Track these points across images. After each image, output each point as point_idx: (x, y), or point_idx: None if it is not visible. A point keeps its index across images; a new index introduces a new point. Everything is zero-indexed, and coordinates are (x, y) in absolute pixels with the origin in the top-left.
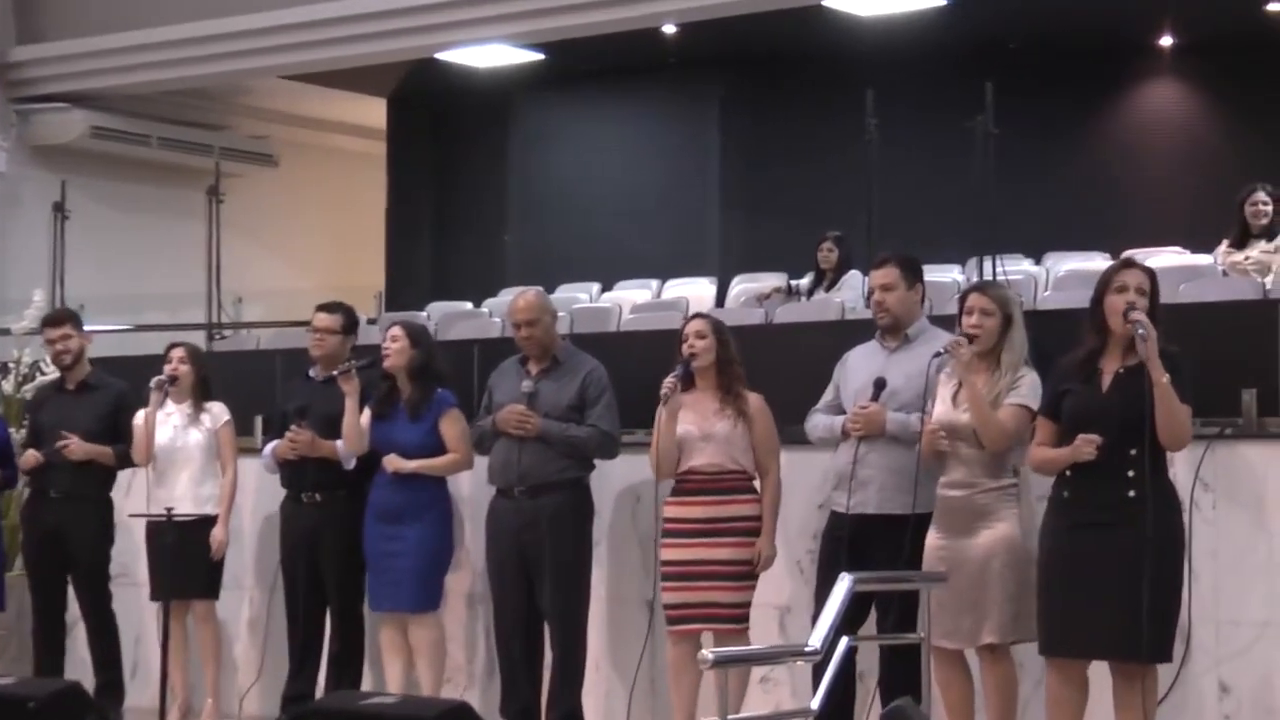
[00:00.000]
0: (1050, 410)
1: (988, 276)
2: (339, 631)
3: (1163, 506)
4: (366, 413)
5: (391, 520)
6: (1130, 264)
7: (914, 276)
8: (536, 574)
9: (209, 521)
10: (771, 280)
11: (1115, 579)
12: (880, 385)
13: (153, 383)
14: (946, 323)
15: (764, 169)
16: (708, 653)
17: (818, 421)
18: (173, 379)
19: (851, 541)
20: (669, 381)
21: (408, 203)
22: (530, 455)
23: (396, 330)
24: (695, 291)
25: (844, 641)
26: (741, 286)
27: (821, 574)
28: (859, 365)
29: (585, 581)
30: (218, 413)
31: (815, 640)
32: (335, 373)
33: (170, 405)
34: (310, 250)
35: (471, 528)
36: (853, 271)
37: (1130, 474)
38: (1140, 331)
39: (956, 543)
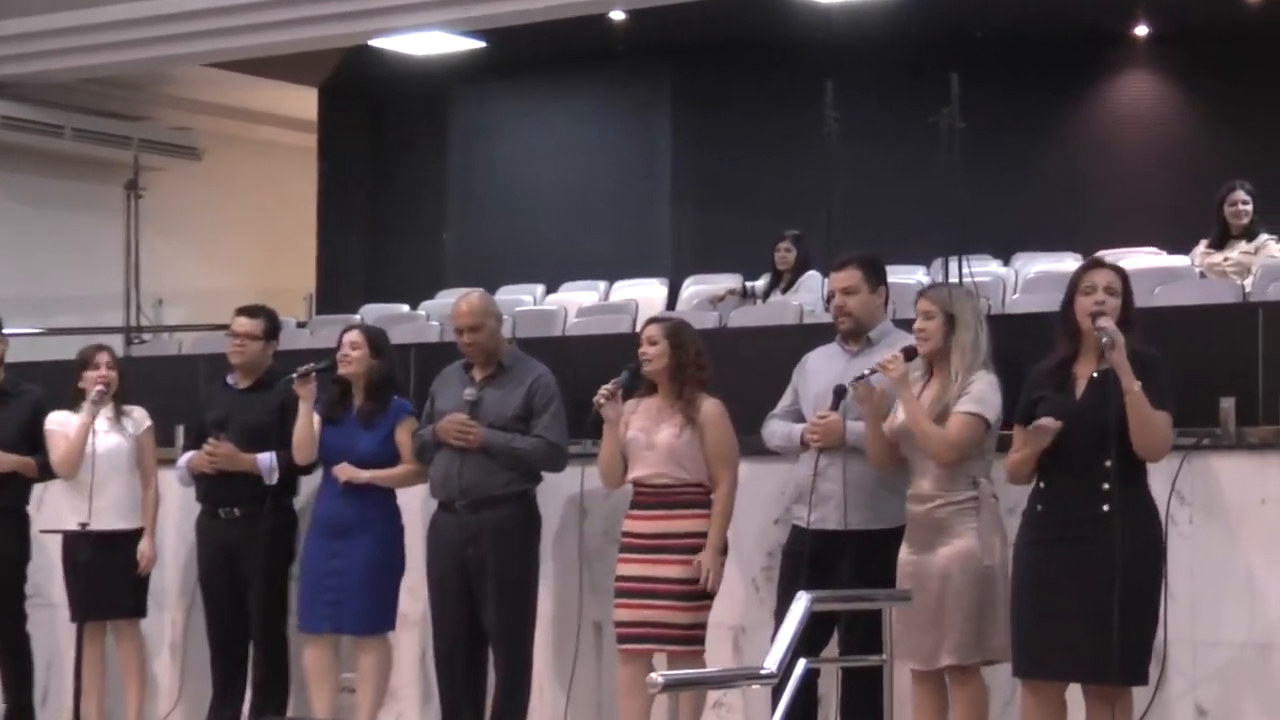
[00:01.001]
0: (1025, 418)
1: (952, 278)
2: (263, 654)
3: (1138, 520)
4: (316, 419)
5: (338, 535)
6: (1099, 263)
7: (877, 278)
8: (479, 592)
9: (132, 535)
10: (726, 281)
11: (1087, 597)
12: (840, 394)
13: (94, 395)
14: (909, 328)
15: (718, 164)
16: (657, 675)
17: (775, 429)
18: (108, 387)
19: (813, 558)
20: (605, 390)
21: (340, 199)
22: (473, 467)
23: (356, 336)
24: (645, 293)
25: (802, 663)
26: (694, 288)
27: (781, 592)
28: (819, 369)
29: (531, 600)
30: (139, 418)
31: (771, 662)
32: (294, 376)
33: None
34: (236, 249)
35: (413, 543)
36: (811, 272)
37: (1104, 486)
38: (1105, 340)
39: (921, 559)
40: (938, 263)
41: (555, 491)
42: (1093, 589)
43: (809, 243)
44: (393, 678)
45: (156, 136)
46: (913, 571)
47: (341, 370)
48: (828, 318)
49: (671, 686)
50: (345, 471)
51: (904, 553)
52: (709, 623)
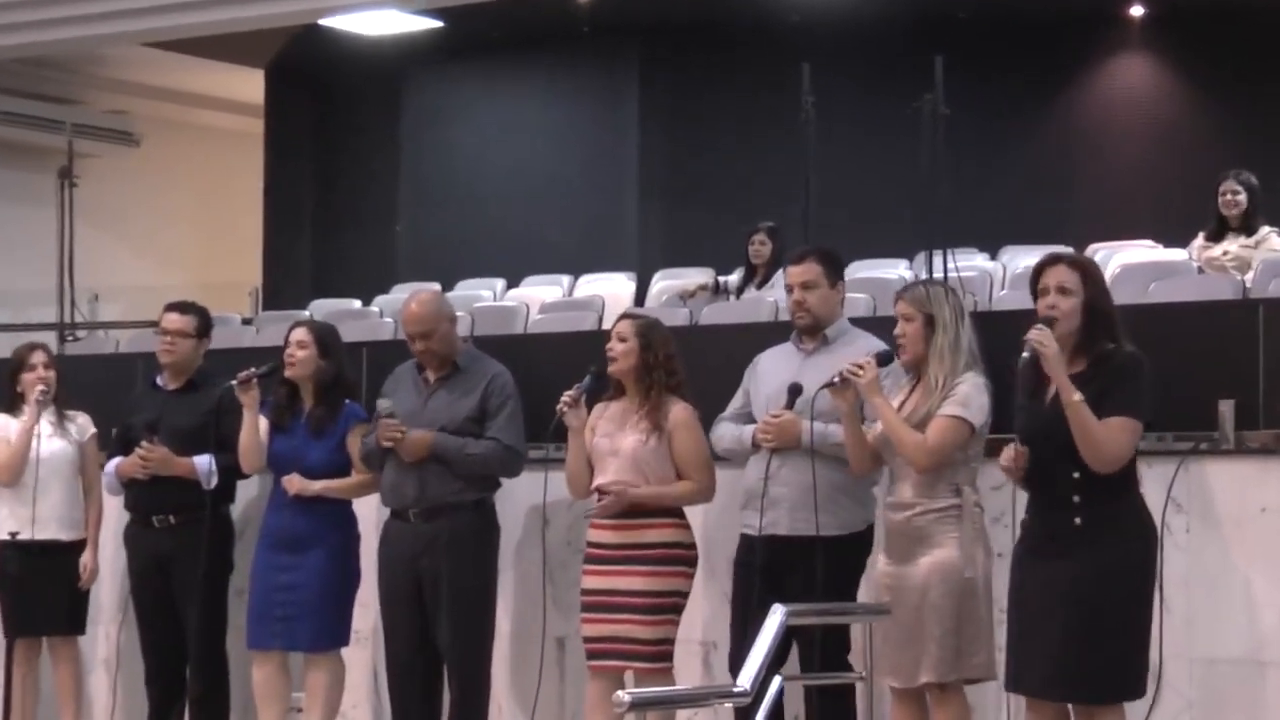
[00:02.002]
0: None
1: (936, 273)
2: (200, 672)
3: (1113, 535)
4: (264, 423)
5: (289, 549)
6: (1053, 259)
7: (835, 273)
8: (433, 605)
9: (72, 546)
10: (696, 276)
11: (1056, 613)
12: (795, 392)
13: (37, 396)
14: (889, 326)
15: (688, 151)
16: (623, 694)
17: (724, 431)
18: (49, 389)
19: (766, 568)
20: (566, 396)
21: (288, 188)
22: (425, 474)
23: (302, 334)
24: (611, 289)
25: (777, 681)
26: (664, 283)
27: (736, 606)
28: (771, 369)
29: (489, 614)
30: (83, 424)
31: (744, 680)
32: (235, 381)
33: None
34: (176, 241)
35: (367, 554)
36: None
37: (1075, 499)
38: (1026, 354)
39: (900, 570)
40: (920, 257)
41: (515, 500)
42: (1061, 605)
43: (785, 235)
44: (343, 697)
45: (91, 121)
46: (891, 584)
47: (287, 373)
48: None
49: (640, 706)
50: (295, 484)
51: (882, 563)
52: (678, 638)
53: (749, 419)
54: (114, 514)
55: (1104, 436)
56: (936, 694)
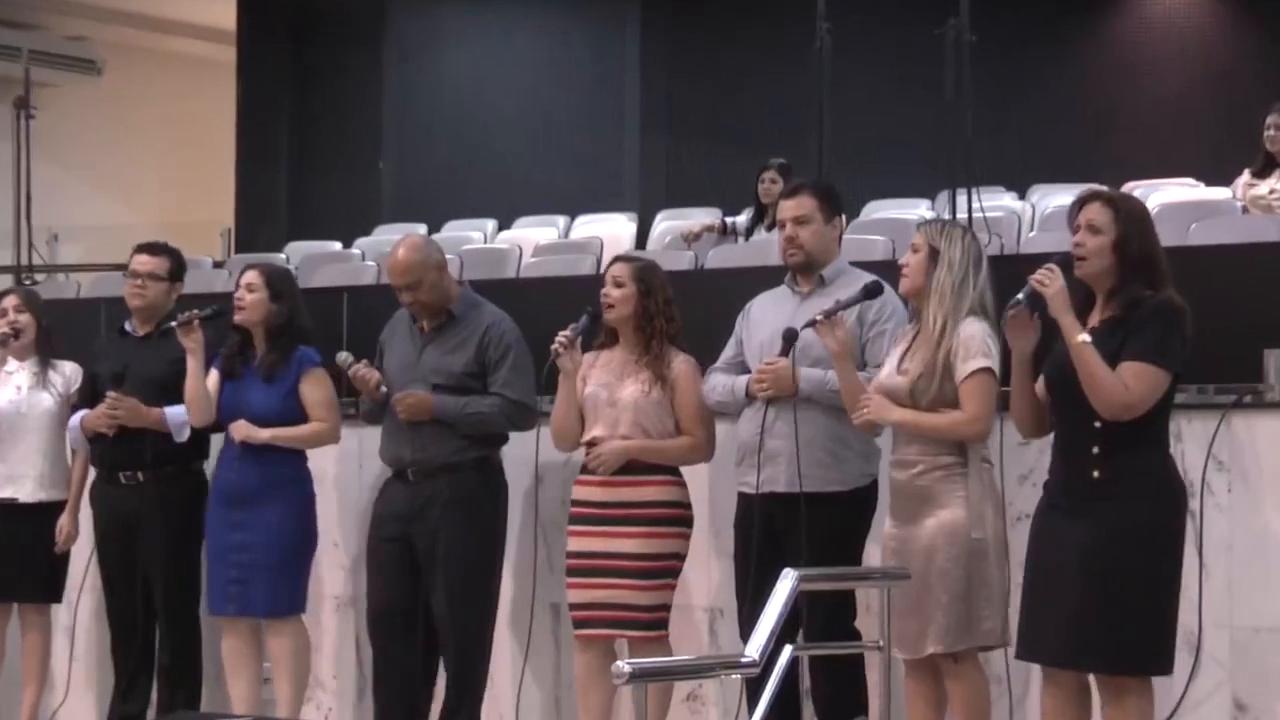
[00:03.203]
0: (1047, 365)
1: (960, 213)
2: (169, 640)
3: (1135, 490)
4: (214, 374)
5: (239, 504)
6: (1092, 195)
7: (832, 209)
8: (428, 571)
9: (52, 508)
10: (702, 217)
11: (1071, 574)
12: (791, 338)
13: None
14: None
15: (694, 82)
16: (623, 664)
17: (716, 382)
18: (15, 333)
19: (764, 528)
20: (562, 337)
21: (262, 121)
22: (420, 433)
23: (253, 276)
24: (610, 230)
25: (787, 650)
26: (666, 224)
27: (739, 571)
28: (765, 315)
29: (491, 579)
30: (70, 374)
31: (752, 650)
32: (174, 324)
33: (11, 363)
34: (141, 178)
35: (338, 513)
36: None
37: (1094, 450)
38: (1021, 296)
39: (905, 532)
40: (943, 196)
41: (506, 457)
42: (1079, 566)
43: (797, 173)
44: (322, 666)
45: (50, 48)
46: (896, 547)
47: (237, 318)
48: None
49: (640, 677)
50: (241, 430)
51: (887, 525)
52: (681, 604)
53: (743, 369)
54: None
55: (1109, 381)
56: (949, 665)
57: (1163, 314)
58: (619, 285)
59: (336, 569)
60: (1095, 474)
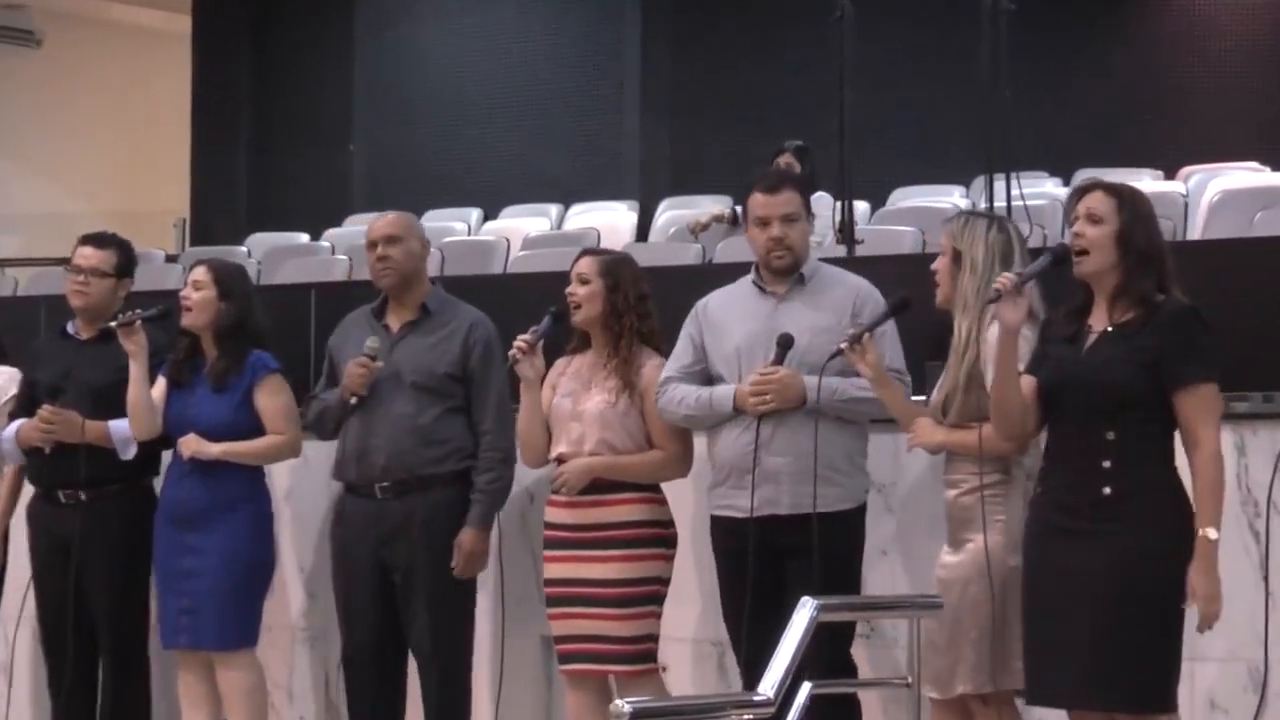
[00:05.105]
0: (1034, 366)
1: (998, 201)
2: (113, 678)
3: (1152, 506)
4: (161, 382)
5: (188, 526)
6: (1091, 185)
7: (809, 206)
8: (404, 599)
9: None
10: (710, 206)
11: (1083, 605)
12: (787, 344)
13: None
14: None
15: (700, 58)
16: (623, 704)
17: (683, 394)
18: None
19: (760, 555)
20: (520, 341)
21: (220, 100)
22: (393, 438)
23: (200, 273)
24: (609, 220)
25: (806, 688)
26: (671, 213)
27: (725, 600)
28: (735, 317)
29: (469, 608)
30: (3, 382)
31: (767, 687)
32: (112, 324)
33: None
34: (86, 162)
35: (296, 534)
36: (820, 194)
37: (1106, 464)
38: (991, 296)
39: (950, 558)
40: (979, 183)
41: None
42: (1090, 592)
43: (816, 157)
44: (285, 706)
45: None
46: (942, 575)
47: (184, 320)
48: (839, 250)
49: (642, 717)
50: (190, 445)
51: (941, 552)
52: (687, 637)
53: (703, 377)
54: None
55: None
56: (979, 707)
57: (1192, 322)
58: (584, 282)
59: (299, 597)
60: (1106, 490)
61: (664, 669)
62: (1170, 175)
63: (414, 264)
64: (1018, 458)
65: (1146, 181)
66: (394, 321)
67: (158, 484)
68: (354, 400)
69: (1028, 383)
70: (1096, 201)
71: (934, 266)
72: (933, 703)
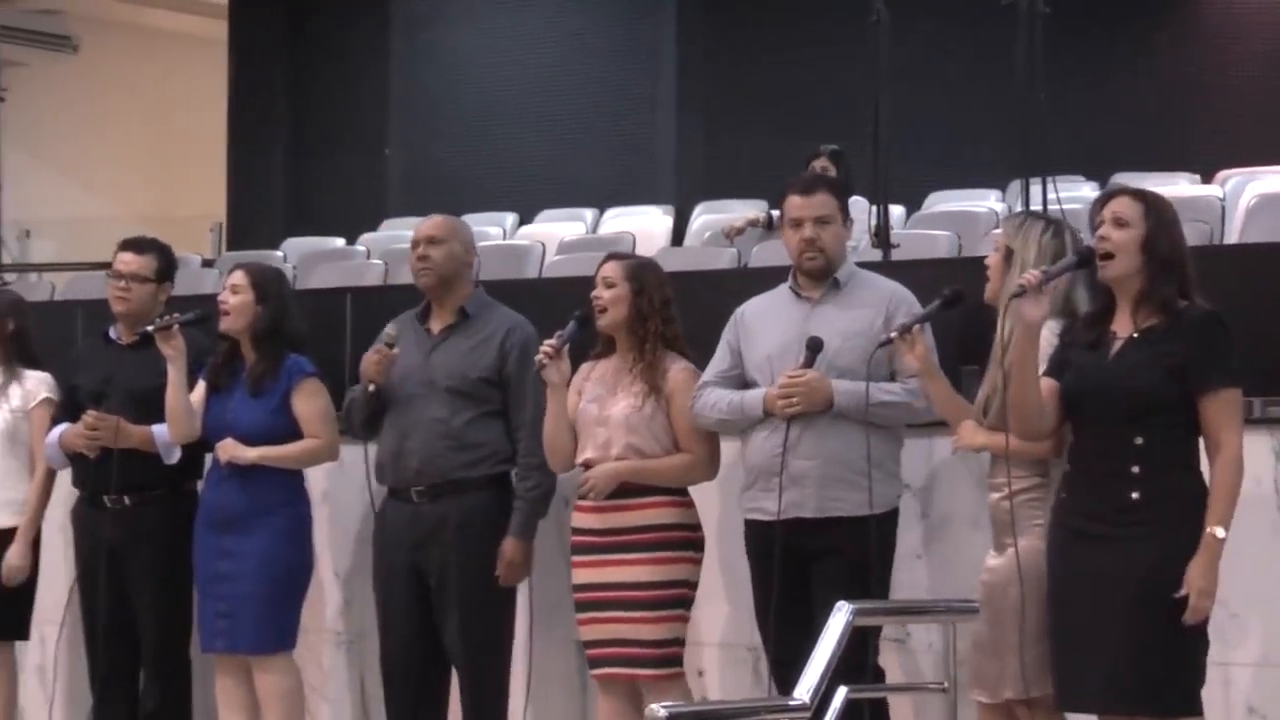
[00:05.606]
0: (1053, 369)
1: (1035, 205)
2: (156, 681)
3: (1180, 511)
4: (201, 386)
5: (226, 530)
6: (1118, 190)
7: (845, 210)
8: (440, 603)
9: (9, 536)
10: (745, 210)
11: (1114, 611)
12: (816, 347)
13: None
14: (973, 269)
15: (735, 60)
16: (659, 708)
17: (716, 398)
18: None
19: (786, 558)
20: (546, 346)
21: (256, 104)
22: (426, 441)
23: (238, 277)
24: (643, 224)
25: (842, 692)
26: (706, 218)
27: (758, 604)
28: (768, 322)
29: (507, 612)
30: (32, 387)
31: (803, 691)
32: (149, 328)
33: None
34: (123, 167)
35: (332, 536)
36: (855, 198)
37: (1135, 470)
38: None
39: (994, 563)
40: (1014, 186)
41: None
42: (1122, 599)
43: (851, 161)
44: (322, 710)
45: (19, 23)
46: (986, 579)
47: (222, 325)
48: (875, 254)
49: None
50: (227, 449)
51: (987, 556)
52: (722, 642)
53: (739, 382)
54: (63, 493)
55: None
56: (1024, 712)
57: (1216, 327)
58: (610, 285)
59: (336, 600)
60: (1135, 495)
61: (700, 673)
62: (1207, 179)
63: (454, 266)
64: (1056, 461)
65: (1183, 185)
66: (435, 324)
67: (201, 487)
68: (371, 388)
69: (1046, 384)
70: (1123, 206)
71: (987, 261)
72: (980, 706)
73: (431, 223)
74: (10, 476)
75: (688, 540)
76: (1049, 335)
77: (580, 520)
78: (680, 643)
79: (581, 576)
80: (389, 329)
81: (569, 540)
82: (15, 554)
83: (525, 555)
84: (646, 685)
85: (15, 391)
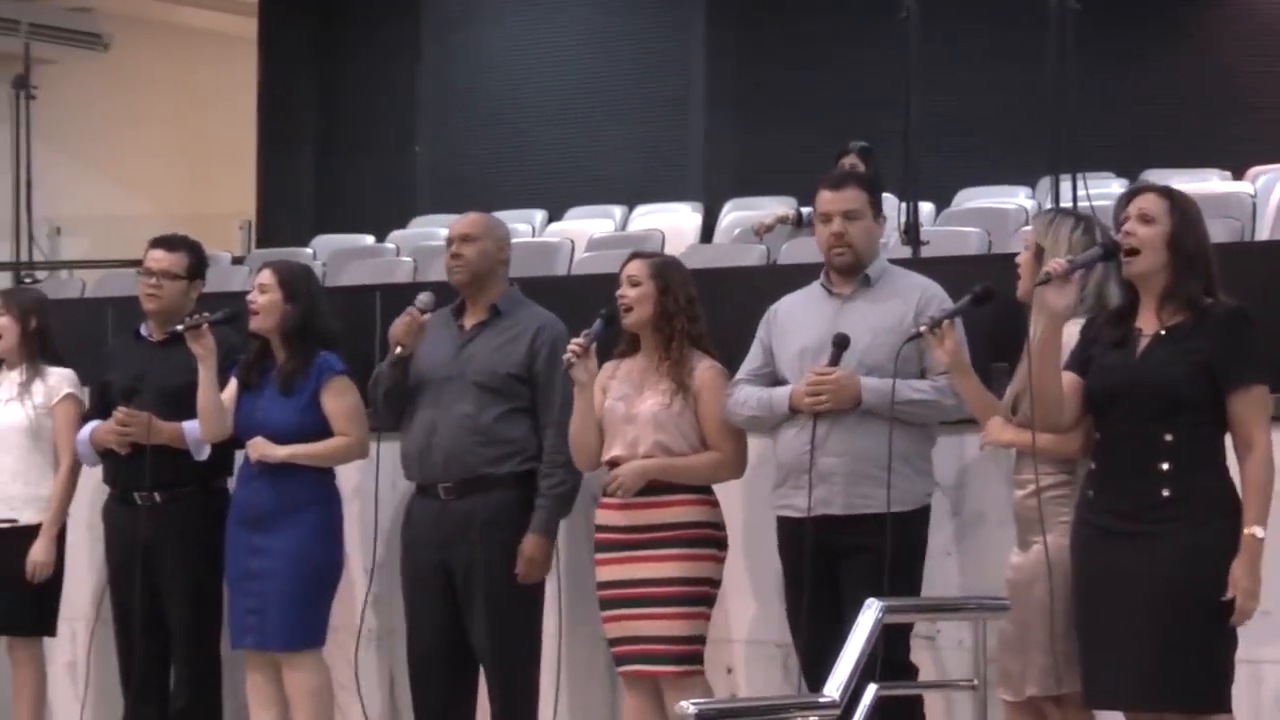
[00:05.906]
0: (1075, 364)
1: (1065, 202)
2: (186, 677)
3: (1208, 509)
4: (232, 384)
5: (257, 527)
6: (1144, 188)
7: (878, 205)
8: (467, 601)
9: (28, 533)
10: (774, 207)
11: (1143, 608)
12: (842, 344)
13: None
14: (1003, 265)
15: (765, 57)
16: (689, 705)
17: (747, 395)
18: None
19: (816, 554)
20: (574, 345)
21: (286, 102)
22: (454, 436)
23: (266, 276)
24: (672, 221)
25: (872, 689)
26: (735, 215)
27: (790, 602)
28: (799, 320)
29: (534, 610)
30: (55, 384)
31: (832, 689)
32: (179, 327)
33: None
34: (153, 165)
35: (363, 534)
36: (884, 195)
37: (1164, 467)
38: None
39: (1020, 560)
40: (1044, 183)
41: None
42: (1151, 596)
43: (880, 158)
44: (353, 707)
45: (51, 20)
46: (1011, 577)
47: (252, 324)
48: (904, 251)
49: (709, 718)
50: (257, 448)
51: (1012, 554)
52: (750, 639)
53: (771, 380)
54: (89, 490)
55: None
56: (1052, 709)
57: (1242, 324)
58: (635, 284)
59: (362, 597)
60: (1165, 493)
61: (729, 670)
62: (1238, 175)
63: (486, 264)
64: (1083, 458)
65: (1214, 181)
66: (468, 320)
67: (232, 484)
68: (399, 350)
69: (1067, 378)
70: (1149, 203)
71: (1017, 259)
72: (1006, 705)
73: (466, 220)
74: (34, 472)
75: (712, 538)
76: (1074, 331)
77: (605, 517)
78: (702, 640)
79: (606, 574)
80: (423, 296)
81: (593, 541)
82: (40, 550)
83: (545, 552)
84: (666, 682)
85: (38, 388)
